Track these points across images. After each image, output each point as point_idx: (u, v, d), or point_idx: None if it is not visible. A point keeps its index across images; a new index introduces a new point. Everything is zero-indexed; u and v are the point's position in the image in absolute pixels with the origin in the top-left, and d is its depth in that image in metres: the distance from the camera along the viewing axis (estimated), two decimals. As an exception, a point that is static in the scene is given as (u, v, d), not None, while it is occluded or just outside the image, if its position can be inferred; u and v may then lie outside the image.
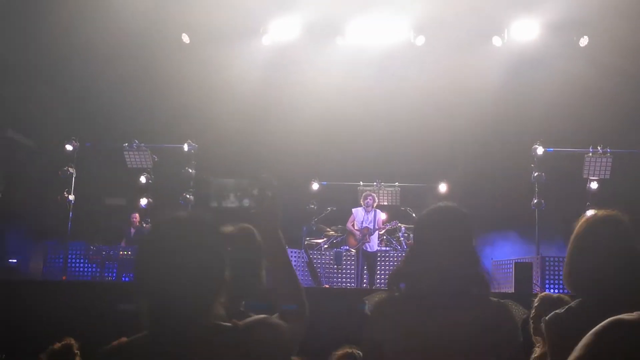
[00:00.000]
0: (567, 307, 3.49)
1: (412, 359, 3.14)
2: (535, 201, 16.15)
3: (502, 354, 3.14)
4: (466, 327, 3.13)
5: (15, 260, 18.30)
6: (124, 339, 2.62)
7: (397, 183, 17.88)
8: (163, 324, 2.51)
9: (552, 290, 14.32)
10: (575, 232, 3.54)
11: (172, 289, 2.49)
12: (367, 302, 3.40)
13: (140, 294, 2.55)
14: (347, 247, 15.89)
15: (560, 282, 14.53)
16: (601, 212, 3.53)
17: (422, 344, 3.13)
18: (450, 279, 3.22)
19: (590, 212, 3.52)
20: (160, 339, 2.51)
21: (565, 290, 4.79)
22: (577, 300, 3.51)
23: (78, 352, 5.90)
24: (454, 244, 3.30)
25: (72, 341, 5.77)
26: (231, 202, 2.92)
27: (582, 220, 3.51)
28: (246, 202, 2.99)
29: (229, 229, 3.55)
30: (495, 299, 3.30)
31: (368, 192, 15.67)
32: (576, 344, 3.17)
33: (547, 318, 3.48)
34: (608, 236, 3.45)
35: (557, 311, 3.48)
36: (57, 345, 5.80)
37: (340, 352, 5.52)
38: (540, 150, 16.33)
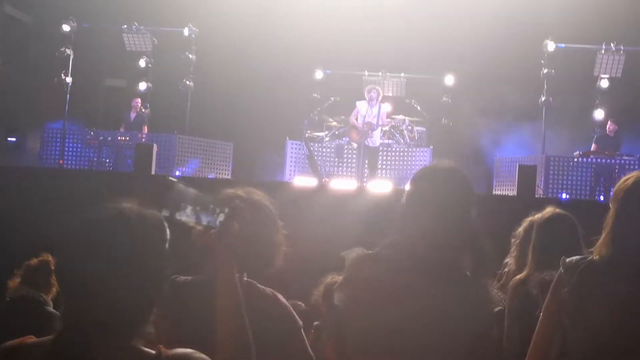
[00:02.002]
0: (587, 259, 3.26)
1: (375, 326, 2.90)
2: (544, 98, 15.80)
3: (476, 342, 2.91)
4: (446, 305, 2.87)
5: (14, 139, 18.15)
6: (29, 338, 2.25)
7: (402, 74, 17.49)
8: (74, 333, 2.10)
9: (555, 193, 14.17)
10: (621, 195, 3.26)
11: (95, 295, 2.07)
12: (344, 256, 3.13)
13: (61, 291, 2.19)
14: (349, 140, 15.63)
15: (564, 184, 14.37)
16: None
17: (389, 310, 2.87)
18: (440, 251, 2.92)
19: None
20: (65, 350, 2.09)
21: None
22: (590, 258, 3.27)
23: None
24: (449, 212, 2.96)
25: (50, 257, 5.56)
26: (186, 216, 2.52)
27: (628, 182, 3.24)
28: (205, 222, 2.57)
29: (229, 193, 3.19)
30: (480, 283, 3.01)
31: (372, 86, 15.24)
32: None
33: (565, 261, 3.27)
34: None
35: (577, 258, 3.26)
36: (34, 261, 5.59)
37: (330, 280, 5.34)
38: (551, 46, 15.87)
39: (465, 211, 2.99)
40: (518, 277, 4.53)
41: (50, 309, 5.43)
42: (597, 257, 3.23)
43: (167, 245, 2.21)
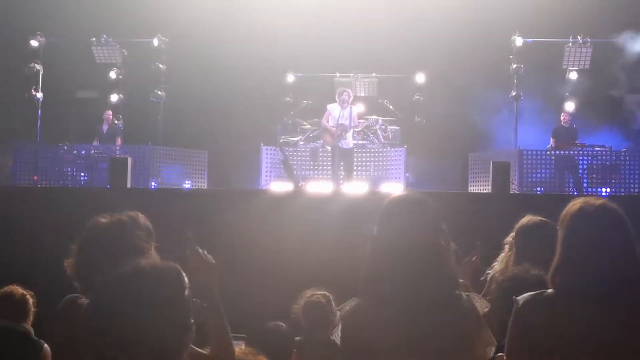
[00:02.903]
0: (543, 292, 3.22)
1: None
2: (514, 93, 15.93)
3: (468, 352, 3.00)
4: (437, 329, 2.95)
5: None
6: None
7: (374, 74, 17.55)
8: None
9: (528, 188, 14.28)
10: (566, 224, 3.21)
11: (125, 348, 2.20)
12: (339, 312, 3.24)
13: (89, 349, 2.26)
14: (323, 142, 15.67)
15: (538, 178, 14.49)
16: (595, 202, 3.22)
17: (399, 349, 2.97)
18: (418, 279, 3.01)
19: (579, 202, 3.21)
20: None
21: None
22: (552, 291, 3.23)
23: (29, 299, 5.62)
24: (420, 240, 3.06)
25: (16, 288, 5.50)
26: None
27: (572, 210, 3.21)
28: None
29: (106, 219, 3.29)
30: (459, 293, 3.11)
31: (343, 88, 15.31)
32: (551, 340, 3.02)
33: (519, 300, 3.23)
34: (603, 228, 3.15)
35: (532, 294, 3.22)
36: (3, 292, 5.50)
37: (310, 295, 5.37)
38: (519, 41, 16.04)
39: (434, 239, 3.07)
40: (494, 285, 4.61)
41: (35, 338, 5.39)
42: (551, 289, 3.16)
43: (186, 292, 2.30)
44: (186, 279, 2.31)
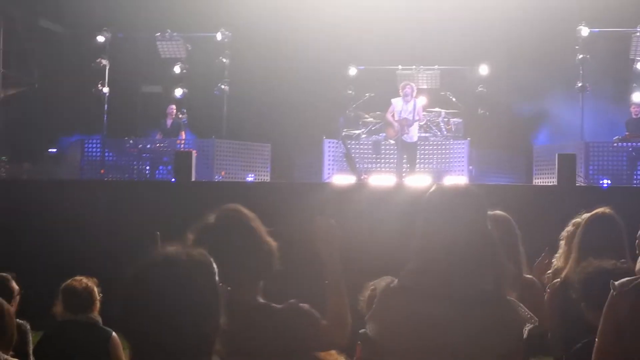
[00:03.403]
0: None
1: (408, 353, 2.93)
2: (580, 85, 15.65)
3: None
4: (471, 325, 2.86)
5: (55, 150, 18.40)
6: None
7: (436, 66, 17.41)
8: None
9: (596, 181, 14.03)
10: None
11: (160, 339, 2.18)
12: (372, 287, 3.24)
13: (127, 339, 2.29)
14: (386, 136, 15.63)
15: (604, 170, 14.23)
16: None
17: (421, 338, 2.90)
18: (459, 269, 2.92)
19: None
20: None
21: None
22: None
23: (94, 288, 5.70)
24: (465, 232, 2.95)
25: (85, 279, 5.58)
26: None
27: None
28: None
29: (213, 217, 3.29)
30: (504, 297, 3.01)
31: (406, 82, 15.25)
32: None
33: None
34: None
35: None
36: (72, 284, 5.55)
37: (374, 287, 5.32)
38: (585, 31, 15.71)
39: (482, 228, 3.00)
40: (556, 280, 4.54)
41: (103, 327, 5.47)
42: None
43: (216, 279, 2.28)
44: (215, 267, 2.30)
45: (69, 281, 5.50)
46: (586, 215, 4.68)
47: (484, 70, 17.11)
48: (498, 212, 4.57)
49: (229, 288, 2.73)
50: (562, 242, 4.95)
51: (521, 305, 3.03)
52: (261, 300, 3.24)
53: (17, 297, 5.82)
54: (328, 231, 3.28)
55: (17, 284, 5.85)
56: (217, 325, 2.26)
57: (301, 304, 3.25)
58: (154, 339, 2.17)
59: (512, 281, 3.08)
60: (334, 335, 3.24)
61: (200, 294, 2.22)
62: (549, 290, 4.62)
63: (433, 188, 3.15)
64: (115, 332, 4.46)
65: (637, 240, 4.44)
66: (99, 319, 5.48)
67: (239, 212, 3.36)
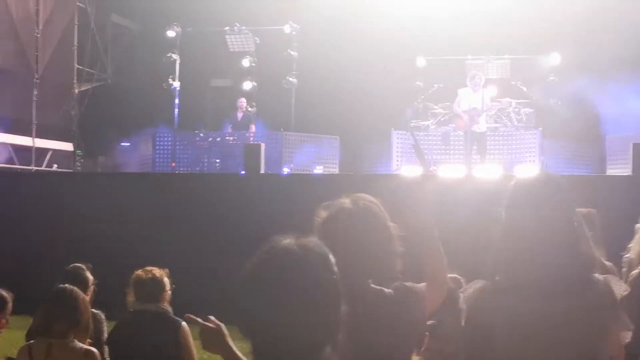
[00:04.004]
0: None
1: (518, 352, 2.89)
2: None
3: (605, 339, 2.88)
4: (570, 315, 2.84)
5: (128, 143, 18.74)
6: None
7: (506, 55, 17.18)
8: None
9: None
10: None
11: (279, 332, 2.18)
12: (461, 294, 3.17)
13: (244, 333, 2.24)
14: (455, 127, 15.50)
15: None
16: None
17: (526, 335, 2.87)
18: (550, 264, 2.88)
19: None
20: None
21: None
22: None
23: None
24: (552, 223, 2.91)
25: (157, 270, 5.63)
26: None
27: None
28: None
29: (346, 202, 3.23)
30: (596, 277, 2.98)
31: (474, 72, 15.11)
32: None
33: None
34: None
35: None
36: (144, 275, 5.60)
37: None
38: (660, 17, 15.31)
39: (569, 221, 2.95)
40: (634, 272, 4.44)
41: (174, 317, 5.52)
42: None
43: (335, 269, 2.25)
44: (333, 259, 2.27)
45: (138, 271, 5.58)
46: None
47: (555, 59, 16.81)
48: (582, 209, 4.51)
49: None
50: (638, 231, 4.86)
51: (616, 279, 2.99)
52: (374, 286, 3.16)
53: (92, 287, 5.95)
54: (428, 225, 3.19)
55: (92, 274, 5.97)
56: (338, 315, 2.22)
57: (407, 284, 3.16)
58: (276, 334, 2.16)
59: (597, 267, 3.05)
60: (433, 298, 3.17)
61: (320, 285, 2.18)
62: (629, 282, 4.52)
63: (515, 181, 3.09)
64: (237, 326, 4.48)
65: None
66: (169, 309, 5.54)
67: (376, 207, 3.30)
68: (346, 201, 3.23)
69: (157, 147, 16.64)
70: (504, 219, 3.00)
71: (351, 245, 2.97)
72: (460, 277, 5.34)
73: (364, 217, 3.17)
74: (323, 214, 3.18)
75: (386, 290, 3.15)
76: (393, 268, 3.17)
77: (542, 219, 2.90)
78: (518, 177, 3.14)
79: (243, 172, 13.44)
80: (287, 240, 2.22)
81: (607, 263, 4.69)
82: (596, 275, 3.00)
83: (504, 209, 3.01)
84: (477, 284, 3.08)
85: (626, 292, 2.99)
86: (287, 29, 17.15)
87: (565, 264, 2.89)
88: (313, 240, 2.26)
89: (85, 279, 5.86)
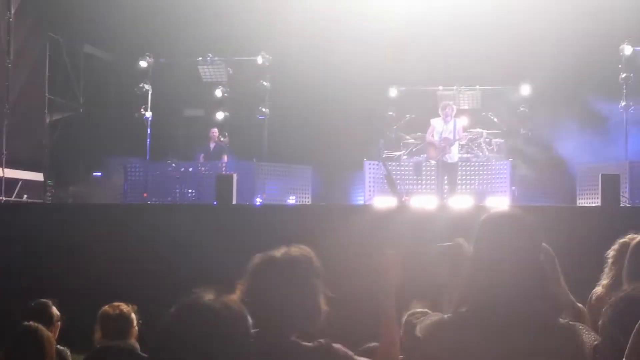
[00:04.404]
0: None
1: None
2: (624, 103, 15.46)
3: None
4: (530, 355, 2.81)
5: (100, 174, 18.62)
6: None
7: (477, 86, 17.36)
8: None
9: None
10: None
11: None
12: (418, 324, 3.17)
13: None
14: (427, 157, 15.57)
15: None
16: None
17: None
18: (515, 299, 2.86)
19: None
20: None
21: None
22: None
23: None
24: (518, 261, 2.90)
25: (125, 306, 5.56)
26: None
27: None
28: None
29: (281, 252, 3.22)
30: (564, 322, 2.95)
31: (446, 102, 15.23)
32: None
33: None
34: None
35: None
36: (110, 310, 5.53)
37: (411, 312, 5.26)
38: (628, 49, 15.52)
39: (534, 259, 2.95)
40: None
41: (141, 354, 5.44)
42: None
43: (250, 332, 2.30)
44: (250, 320, 2.30)
45: (106, 307, 5.51)
46: (628, 237, 4.58)
47: (525, 90, 17.02)
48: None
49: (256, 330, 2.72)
50: (609, 262, 4.86)
51: (586, 328, 2.97)
52: (292, 338, 3.12)
53: (58, 323, 5.85)
54: (392, 266, 3.35)
55: (59, 310, 5.88)
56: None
57: (333, 344, 3.11)
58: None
59: (565, 309, 3.03)
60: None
61: (231, 345, 2.21)
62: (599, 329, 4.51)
63: (484, 216, 3.09)
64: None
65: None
66: (137, 346, 5.47)
67: (307, 260, 3.27)
68: (277, 252, 3.22)
69: (129, 178, 16.53)
70: (471, 253, 3.00)
71: (274, 298, 3.00)
72: (429, 312, 5.32)
73: (289, 270, 3.14)
74: (252, 263, 3.18)
75: (307, 345, 3.13)
76: (315, 324, 3.14)
77: (508, 256, 2.90)
78: (486, 212, 3.14)
79: (215, 203, 13.39)
80: (207, 296, 2.23)
81: (579, 305, 4.67)
82: (564, 320, 2.97)
83: (472, 244, 3.01)
84: (436, 316, 3.07)
85: (596, 342, 2.98)
86: (259, 59, 17.20)
87: (530, 304, 2.87)
88: (233, 299, 2.28)
89: (51, 315, 5.76)
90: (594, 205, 13.46)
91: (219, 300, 2.25)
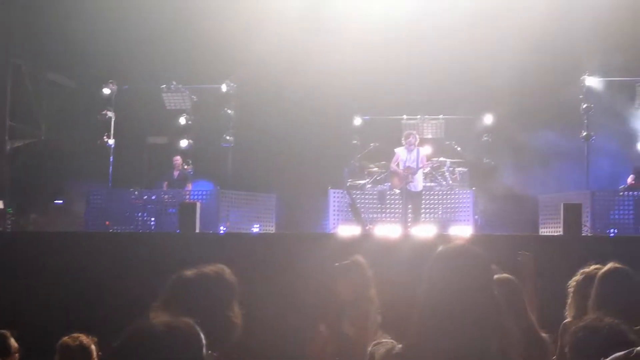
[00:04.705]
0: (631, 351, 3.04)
1: None
2: (585, 133, 15.67)
3: None
4: None
5: (61, 201, 18.42)
6: None
7: (441, 115, 17.49)
8: None
9: (603, 230, 13.96)
10: None
11: None
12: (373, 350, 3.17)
13: None
14: (391, 186, 15.62)
15: (613, 220, 14.16)
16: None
17: None
18: (466, 335, 2.86)
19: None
20: None
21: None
22: None
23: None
24: (471, 293, 2.92)
25: (84, 338, 5.47)
26: None
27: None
28: None
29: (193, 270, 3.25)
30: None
31: (409, 131, 15.35)
32: None
33: None
34: None
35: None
36: (70, 342, 5.44)
37: (377, 342, 5.24)
38: (589, 80, 15.78)
39: (486, 293, 2.94)
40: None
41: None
42: None
43: (203, 352, 2.27)
44: (203, 336, 2.26)
45: (65, 338, 5.42)
46: (592, 268, 4.62)
47: (488, 119, 17.18)
48: (503, 275, 4.51)
49: (214, 354, 2.69)
50: (571, 292, 4.89)
51: None
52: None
53: (16, 355, 5.74)
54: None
55: (17, 341, 5.77)
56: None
57: None
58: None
59: (518, 345, 3.02)
60: None
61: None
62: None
63: (438, 251, 3.08)
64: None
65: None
66: None
67: (218, 276, 3.28)
68: (189, 271, 3.26)
69: (91, 205, 16.36)
70: (425, 286, 2.98)
71: (187, 315, 2.99)
72: (393, 342, 5.30)
73: (200, 287, 3.19)
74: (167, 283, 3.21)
75: None
76: (228, 339, 3.15)
77: (460, 291, 2.89)
78: (445, 243, 3.14)
79: (178, 231, 13.29)
80: (158, 320, 2.21)
81: (543, 335, 4.68)
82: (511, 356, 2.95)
83: (425, 278, 3.00)
84: (388, 346, 3.05)
85: None
86: (224, 87, 17.18)
87: (481, 339, 2.85)
88: (185, 321, 2.25)
89: (8, 347, 5.66)
90: (556, 234, 13.57)
91: (169, 324, 2.22)
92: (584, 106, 15.72)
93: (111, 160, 16.98)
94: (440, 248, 3.09)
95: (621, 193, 14.60)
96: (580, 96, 15.89)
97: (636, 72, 15.99)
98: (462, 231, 14.38)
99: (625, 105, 16.33)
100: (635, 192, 14.49)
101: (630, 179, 15.28)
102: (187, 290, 3.14)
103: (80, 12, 18.16)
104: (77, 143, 18.72)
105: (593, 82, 15.85)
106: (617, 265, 4.58)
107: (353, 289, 3.45)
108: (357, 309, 3.49)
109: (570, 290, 4.93)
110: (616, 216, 14.29)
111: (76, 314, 9.68)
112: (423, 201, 15.49)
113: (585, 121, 15.76)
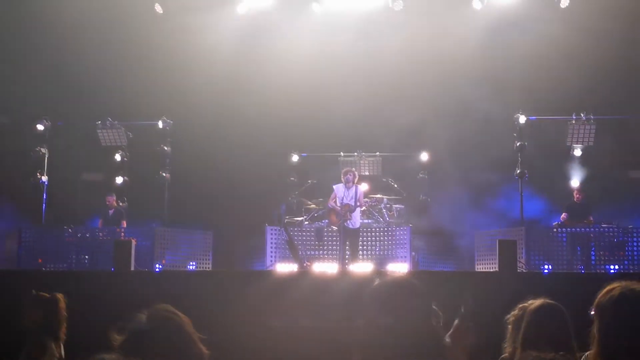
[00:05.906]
0: None
1: None
2: (519, 171, 15.93)
3: None
4: None
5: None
6: None
7: (378, 153, 17.62)
8: None
9: (537, 266, 14.17)
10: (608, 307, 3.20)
11: None
12: None
13: None
14: (329, 223, 15.62)
15: (545, 255, 14.39)
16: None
17: None
18: None
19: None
20: None
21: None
22: None
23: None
24: (411, 322, 2.94)
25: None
26: None
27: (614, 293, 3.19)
28: None
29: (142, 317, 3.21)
30: None
31: (347, 169, 15.39)
32: None
33: None
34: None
35: None
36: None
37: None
38: (522, 119, 16.12)
39: (426, 324, 2.96)
40: None
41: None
42: None
43: None
44: None
45: None
46: (527, 304, 4.70)
47: (424, 156, 17.38)
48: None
49: None
50: (509, 327, 4.94)
51: None
52: None
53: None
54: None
55: None
56: None
57: None
58: None
59: None
60: None
61: None
62: None
63: (375, 283, 3.08)
64: None
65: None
66: None
67: (172, 316, 3.24)
68: (142, 316, 3.25)
69: (23, 242, 16.01)
70: (364, 321, 2.97)
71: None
72: None
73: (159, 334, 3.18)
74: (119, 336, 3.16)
75: None
76: None
77: (400, 321, 2.89)
78: (377, 280, 3.13)
79: (112, 269, 13.07)
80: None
81: None
82: None
83: (363, 312, 3.00)
84: None
85: None
86: (160, 124, 17.07)
87: None
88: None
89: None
90: (492, 270, 13.71)
91: None
92: (518, 144, 16.00)
93: (44, 197, 16.66)
94: (376, 281, 3.08)
95: (555, 229, 14.86)
96: (514, 134, 16.18)
97: (568, 111, 16.35)
98: (400, 268, 14.45)
99: (558, 143, 16.68)
100: (568, 229, 14.76)
101: (563, 216, 15.58)
102: (150, 342, 3.06)
103: (12, 48, 17.92)
104: (9, 179, 18.32)
105: (526, 120, 16.14)
106: (547, 300, 4.70)
107: None
108: None
109: (509, 324, 4.99)
110: (550, 252, 14.52)
111: (7, 357, 9.40)
112: (361, 238, 15.51)
113: (519, 159, 16.02)
